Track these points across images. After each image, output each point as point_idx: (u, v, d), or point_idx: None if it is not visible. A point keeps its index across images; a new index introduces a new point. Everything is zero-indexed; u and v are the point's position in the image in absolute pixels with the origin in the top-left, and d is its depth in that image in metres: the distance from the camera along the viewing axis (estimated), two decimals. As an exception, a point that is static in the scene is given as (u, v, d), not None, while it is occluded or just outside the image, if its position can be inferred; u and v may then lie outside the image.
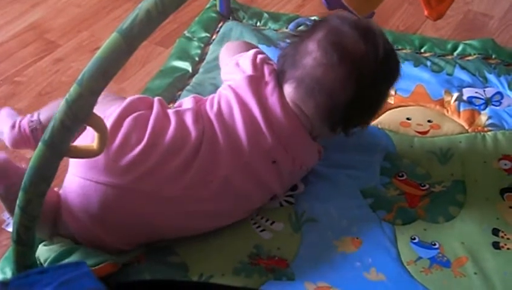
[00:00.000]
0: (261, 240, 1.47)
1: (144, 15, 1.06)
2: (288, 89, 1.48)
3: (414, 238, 1.47)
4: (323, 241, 1.47)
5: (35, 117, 1.57)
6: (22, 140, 1.56)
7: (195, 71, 1.95)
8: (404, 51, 2.01)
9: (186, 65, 1.97)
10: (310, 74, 1.46)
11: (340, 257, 1.44)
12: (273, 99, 1.48)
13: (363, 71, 1.44)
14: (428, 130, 1.75)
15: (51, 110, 1.55)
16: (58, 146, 1.15)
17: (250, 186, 1.45)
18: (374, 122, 1.75)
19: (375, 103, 1.54)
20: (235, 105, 1.47)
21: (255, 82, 1.50)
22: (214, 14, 2.17)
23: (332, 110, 1.46)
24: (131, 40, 1.07)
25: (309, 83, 1.45)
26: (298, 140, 1.49)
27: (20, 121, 1.57)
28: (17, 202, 1.21)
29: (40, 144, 1.16)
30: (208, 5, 2.23)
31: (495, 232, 1.49)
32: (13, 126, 1.57)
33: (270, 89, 1.49)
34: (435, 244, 1.46)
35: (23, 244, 1.28)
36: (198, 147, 1.41)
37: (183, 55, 1.99)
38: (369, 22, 1.47)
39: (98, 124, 1.17)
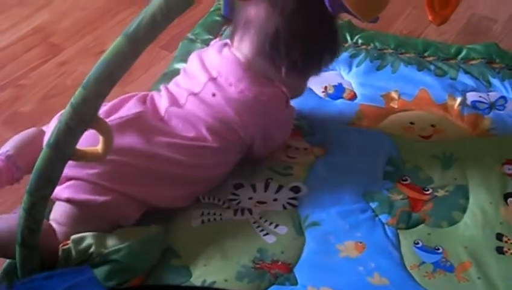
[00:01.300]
0: (264, 244, 1.47)
1: (149, 19, 1.07)
2: (234, 44, 1.62)
3: (417, 243, 1.47)
4: (326, 245, 1.47)
5: (2, 150, 1.53)
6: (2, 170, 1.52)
7: (198, 72, 1.95)
8: (407, 55, 2.01)
9: (190, 67, 1.96)
10: (243, 17, 1.62)
11: (343, 261, 1.43)
12: (211, 49, 1.65)
13: (286, 2, 1.56)
14: (431, 135, 1.75)
15: (14, 142, 1.54)
16: (63, 149, 1.16)
17: (203, 120, 1.54)
18: (377, 126, 1.76)
19: (309, 35, 1.59)
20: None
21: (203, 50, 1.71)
22: (217, 18, 2.17)
23: (265, 42, 1.57)
24: (136, 44, 1.08)
25: (243, 25, 1.61)
26: (233, 70, 1.58)
27: None
28: (22, 204, 1.22)
29: (44, 147, 1.17)
30: (212, 9, 2.23)
31: (499, 237, 1.49)
32: None
33: (212, 46, 1.69)
34: (438, 249, 1.46)
35: (28, 247, 1.28)
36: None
37: (187, 58, 1.98)
38: None
39: (103, 127, 1.17)
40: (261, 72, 1.58)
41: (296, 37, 1.57)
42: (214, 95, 1.55)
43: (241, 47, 1.60)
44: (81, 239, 1.37)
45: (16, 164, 1.50)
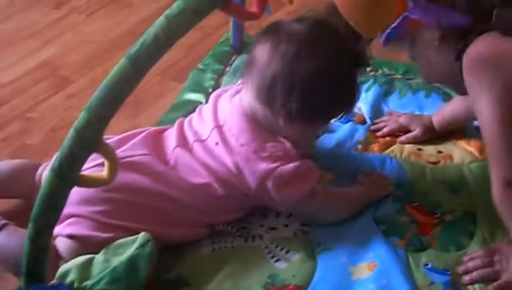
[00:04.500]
0: (275, 270, 1.46)
1: (151, 40, 1.07)
2: (243, 85, 1.57)
3: (427, 264, 1.46)
4: (338, 267, 1.46)
5: None
6: None
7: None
8: (415, 80, 2.01)
9: (199, 97, 1.97)
10: (250, 57, 1.55)
11: (355, 283, 1.43)
12: (228, 92, 1.60)
13: (288, 45, 1.47)
14: (439, 161, 1.74)
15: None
16: (67, 175, 1.15)
17: (208, 167, 1.50)
18: (386, 151, 1.76)
19: (310, 84, 1.47)
20: None
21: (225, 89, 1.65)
22: (227, 48, 2.18)
23: (263, 85, 1.48)
24: (139, 65, 1.08)
25: (248, 66, 1.54)
26: (236, 120, 1.52)
27: None
28: (26, 233, 1.21)
29: (49, 173, 1.16)
30: (221, 39, 2.24)
31: (506, 264, 1.47)
32: None
33: (226, 94, 1.60)
34: (448, 271, 1.45)
35: (33, 278, 1.26)
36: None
37: (197, 88, 2.00)
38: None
39: (107, 152, 1.16)
40: (263, 123, 1.52)
41: (295, 85, 1.47)
42: (216, 144, 1.51)
43: (246, 91, 1.54)
44: (65, 274, 1.33)
45: None
